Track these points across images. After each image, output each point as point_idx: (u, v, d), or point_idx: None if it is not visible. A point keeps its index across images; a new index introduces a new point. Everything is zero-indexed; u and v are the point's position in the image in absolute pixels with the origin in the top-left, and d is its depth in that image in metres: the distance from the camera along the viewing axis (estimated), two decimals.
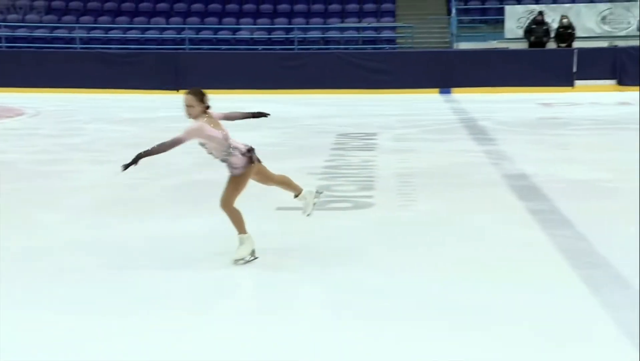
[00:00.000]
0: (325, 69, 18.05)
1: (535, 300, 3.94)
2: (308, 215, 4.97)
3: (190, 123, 4.59)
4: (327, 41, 22.36)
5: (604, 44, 19.67)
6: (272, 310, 3.90)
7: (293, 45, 21.60)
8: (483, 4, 22.92)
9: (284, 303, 3.98)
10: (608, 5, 20.81)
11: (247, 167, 4.62)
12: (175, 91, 18.37)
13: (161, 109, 14.68)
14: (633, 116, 12.67)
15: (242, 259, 4.57)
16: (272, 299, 4.05)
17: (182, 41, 21.84)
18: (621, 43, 19.40)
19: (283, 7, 23.95)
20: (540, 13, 19.63)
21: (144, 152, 4.51)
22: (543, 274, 4.33)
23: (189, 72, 18.39)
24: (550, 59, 18.16)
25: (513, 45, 19.83)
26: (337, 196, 6.47)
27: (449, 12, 22.82)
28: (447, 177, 7.29)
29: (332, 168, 7.80)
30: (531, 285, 4.16)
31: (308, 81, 17.94)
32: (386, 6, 23.69)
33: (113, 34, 22.53)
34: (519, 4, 21.97)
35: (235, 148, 4.62)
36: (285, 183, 4.93)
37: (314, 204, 4.98)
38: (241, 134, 10.35)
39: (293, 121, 12.20)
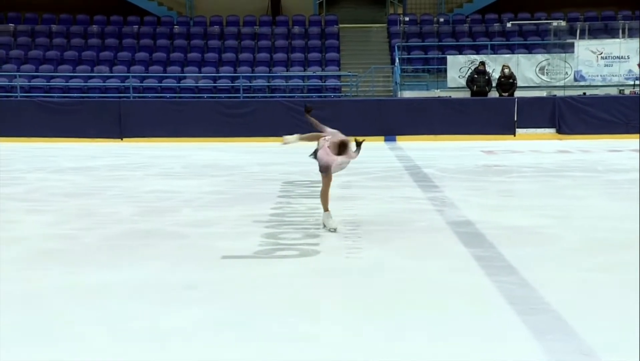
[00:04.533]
0: (270, 116, 18.11)
1: (482, 347, 3.94)
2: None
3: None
4: (272, 89, 22.50)
5: (542, 93, 20.24)
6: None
7: (238, 93, 21.67)
8: (425, 54, 23.41)
9: (223, 354, 3.90)
10: (546, 56, 21.46)
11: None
12: (119, 140, 18.21)
13: (104, 158, 14.50)
14: (572, 163, 12.99)
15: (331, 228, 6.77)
16: (214, 345, 3.97)
17: (126, 89, 21.73)
18: (559, 93, 19.96)
19: (228, 55, 24.07)
20: (482, 63, 20.10)
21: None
22: (489, 321, 4.34)
23: (133, 120, 18.26)
24: (492, 108, 18.55)
25: (455, 94, 20.24)
26: (283, 243, 6.43)
27: (392, 62, 23.25)
28: (393, 225, 7.32)
29: (278, 216, 7.77)
30: (478, 332, 4.16)
31: (253, 129, 17.97)
32: (331, 55, 24.01)
33: (55, 82, 22.30)
34: (460, 54, 22.50)
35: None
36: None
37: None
38: (184, 182, 10.27)
39: (238, 169, 12.16)
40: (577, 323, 4.25)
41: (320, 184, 7.07)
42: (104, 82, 22.28)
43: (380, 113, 18.17)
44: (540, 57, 21.48)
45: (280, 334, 4.15)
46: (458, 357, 3.82)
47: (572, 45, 21.30)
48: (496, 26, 24.79)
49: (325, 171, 6.86)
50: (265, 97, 21.68)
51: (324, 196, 6.93)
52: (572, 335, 4.09)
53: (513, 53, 22.33)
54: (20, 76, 21.95)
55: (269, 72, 23.06)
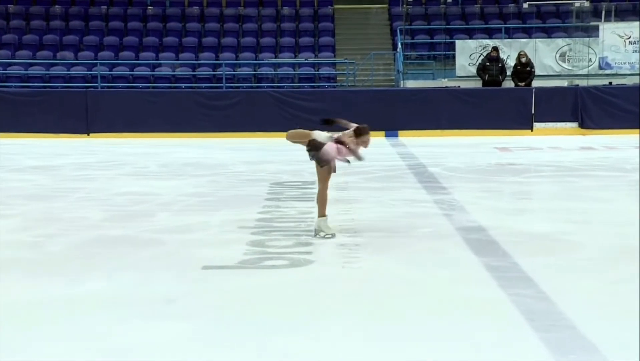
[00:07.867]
0: (256, 109, 18.16)
1: None
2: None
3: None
4: (259, 78, 22.53)
5: (563, 83, 20.29)
6: None
7: (221, 83, 21.70)
8: (432, 38, 23.46)
9: None
10: (567, 41, 21.51)
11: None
12: (85, 135, 18.21)
13: (69, 156, 14.53)
14: (596, 162, 13.06)
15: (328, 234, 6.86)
16: None
17: (93, 78, 21.72)
18: (582, 82, 20.02)
19: (209, 40, 24.06)
20: (495, 49, 20.14)
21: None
22: (503, 338, 4.40)
23: (102, 113, 18.28)
24: (507, 100, 18.62)
25: (465, 84, 20.28)
26: (272, 252, 6.48)
27: (394, 47, 23.30)
28: (394, 231, 7.37)
29: (265, 221, 7.82)
30: (491, 350, 4.21)
31: (237, 123, 18.01)
32: (325, 40, 24.03)
33: (12, 70, 22.28)
34: (470, 38, 22.55)
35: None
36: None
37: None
38: (161, 183, 10.29)
39: (221, 168, 12.20)
40: (601, 339, 4.31)
41: (314, 186, 7.13)
42: (68, 69, 22.27)
43: (381, 105, 18.23)
44: (560, 42, 21.55)
45: (267, 352, 4.20)
46: None
47: (596, 28, 21.38)
48: (511, 7, 24.87)
49: (327, 163, 6.90)
50: (251, 87, 21.73)
51: (323, 199, 6.97)
52: (595, 353, 4.15)
53: (530, 37, 22.41)
54: None
55: (256, 59, 23.09)
